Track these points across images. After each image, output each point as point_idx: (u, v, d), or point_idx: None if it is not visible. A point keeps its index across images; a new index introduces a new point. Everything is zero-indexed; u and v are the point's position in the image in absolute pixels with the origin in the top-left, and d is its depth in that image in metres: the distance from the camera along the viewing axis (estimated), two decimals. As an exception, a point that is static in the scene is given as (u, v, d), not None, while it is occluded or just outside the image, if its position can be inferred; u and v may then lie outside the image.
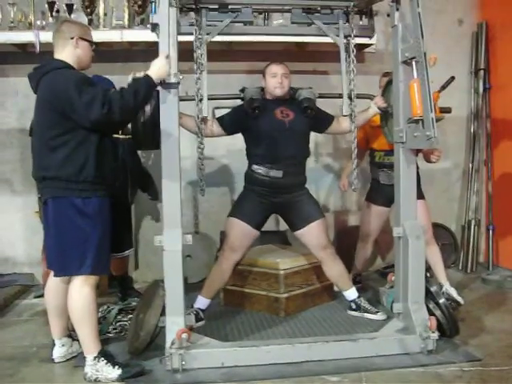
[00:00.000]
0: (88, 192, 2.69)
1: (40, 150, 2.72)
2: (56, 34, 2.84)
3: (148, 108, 2.87)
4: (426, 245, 3.69)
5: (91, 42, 2.91)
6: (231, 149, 4.65)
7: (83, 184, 2.67)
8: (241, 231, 3.50)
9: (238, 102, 3.62)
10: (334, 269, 3.59)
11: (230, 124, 3.57)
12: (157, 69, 2.73)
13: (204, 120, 3.36)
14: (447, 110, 3.86)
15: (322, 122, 3.69)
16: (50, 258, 2.87)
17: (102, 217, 2.75)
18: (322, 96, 3.71)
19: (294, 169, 3.56)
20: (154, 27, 2.91)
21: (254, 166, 3.55)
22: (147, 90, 2.68)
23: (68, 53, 2.79)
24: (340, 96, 3.55)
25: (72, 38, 2.79)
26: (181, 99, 2.97)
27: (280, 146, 3.47)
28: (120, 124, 2.86)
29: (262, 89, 3.62)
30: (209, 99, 3.31)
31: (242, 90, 3.64)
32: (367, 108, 3.60)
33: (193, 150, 3.34)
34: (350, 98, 3.46)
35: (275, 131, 3.48)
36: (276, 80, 3.51)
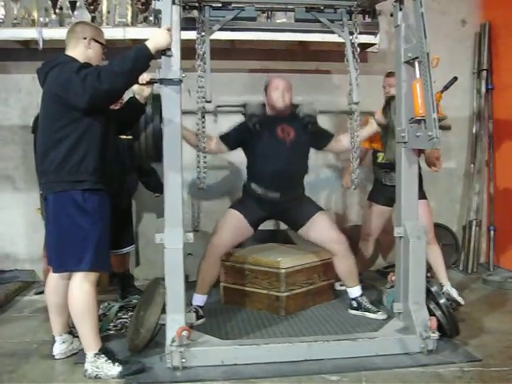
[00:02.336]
0: (88, 183, 2.69)
1: (45, 143, 2.73)
2: (69, 33, 2.88)
3: (150, 127, 2.90)
4: (428, 245, 3.69)
5: (103, 45, 2.94)
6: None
7: (84, 175, 2.68)
8: (234, 222, 3.56)
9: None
10: (346, 263, 3.60)
11: (232, 140, 3.66)
12: (155, 38, 2.67)
13: (207, 138, 3.37)
14: (444, 119, 3.91)
15: (322, 138, 3.74)
16: (49, 254, 2.88)
17: (101, 214, 2.76)
18: (322, 112, 3.75)
19: (292, 187, 3.65)
20: (156, 15, 2.89)
21: (253, 185, 3.63)
22: (137, 56, 2.61)
23: (79, 52, 2.82)
24: (341, 112, 3.57)
25: (85, 39, 2.83)
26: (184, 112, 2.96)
27: (280, 167, 3.54)
28: (112, 93, 2.68)
29: (264, 104, 3.66)
30: (210, 113, 3.33)
31: (244, 106, 3.67)
32: (367, 124, 3.62)
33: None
34: (350, 113, 3.45)
35: (276, 151, 3.55)
36: (278, 93, 3.57)
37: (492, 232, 5.07)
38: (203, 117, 3.29)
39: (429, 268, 3.62)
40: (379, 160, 4.04)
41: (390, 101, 3.46)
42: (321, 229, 3.62)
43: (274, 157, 3.53)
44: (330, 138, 3.72)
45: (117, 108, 3.15)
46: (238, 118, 4.62)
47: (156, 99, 2.98)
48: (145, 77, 2.88)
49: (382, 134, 3.64)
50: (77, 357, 2.95)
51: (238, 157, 3.87)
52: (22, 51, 4.46)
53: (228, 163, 4.82)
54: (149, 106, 2.98)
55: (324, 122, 3.87)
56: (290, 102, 3.63)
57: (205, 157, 3.31)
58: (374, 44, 4.43)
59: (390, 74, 3.89)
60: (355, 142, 3.46)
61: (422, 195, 3.74)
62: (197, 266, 3.58)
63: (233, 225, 3.58)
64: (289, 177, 3.59)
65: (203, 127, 3.30)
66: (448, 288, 3.83)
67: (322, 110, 3.81)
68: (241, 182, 3.86)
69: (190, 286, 3.47)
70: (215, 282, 3.64)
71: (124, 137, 3.70)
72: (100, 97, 2.59)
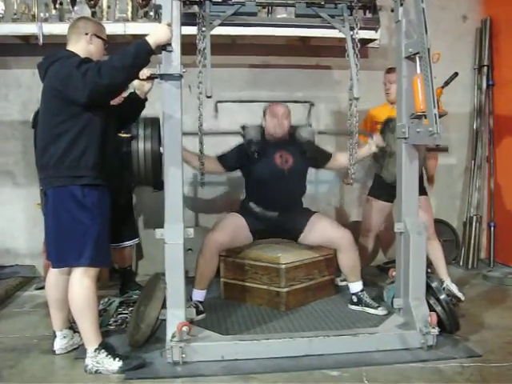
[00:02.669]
0: (87, 178, 2.68)
1: (45, 138, 2.72)
2: (71, 28, 2.87)
3: (148, 145, 2.92)
4: (428, 241, 3.70)
5: (105, 41, 2.93)
6: (232, 141, 4.65)
7: (83, 170, 2.67)
8: (235, 222, 3.62)
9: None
10: (349, 257, 3.61)
11: (229, 163, 3.74)
12: (156, 33, 2.67)
13: (205, 158, 3.40)
14: (444, 149, 3.98)
15: (320, 160, 3.84)
16: (49, 249, 2.88)
17: (101, 209, 2.76)
18: (321, 132, 3.81)
19: (290, 207, 3.71)
20: (157, 10, 2.89)
21: (251, 204, 3.71)
22: (138, 51, 2.61)
23: (80, 47, 2.82)
24: (338, 132, 3.79)
25: (87, 34, 2.83)
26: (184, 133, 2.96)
27: (277, 193, 3.62)
28: (112, 88, 2.67)
29: (262, 128, 3.70)
30: (211, 134, 3.37)
31: (243, 128, 3.73)
32: (365, 146, 3.65)
33: (194, 143, 3.34)
34: (349, 134, 3.47)
35: (274, 178, 3.62)
36: (276, 121, 3.63)
37: (492, 228, 5.07)
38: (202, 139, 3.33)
39: (429, 264, 3.63)
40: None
41: (388, 122, 3.48)
42: (321, 230, 3.66)
43: (271, 183, 3.62)
44: (329, 158, 3.83)
45: (117, 103, 3.15)
46: (238, 116, 4.65)
47: (154, 123, 3.02)
48: (145, 72, 2.88)
49: (379, 155, 3.68)
50: (77, 352, 2.96)
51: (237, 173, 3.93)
52: (22, 46, 4.45)
53: (227, 178, 4.83)
54: (146, 129, 2.99)
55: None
56: (289, 129, 3.69)
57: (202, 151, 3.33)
58: (375, 39, 4.43)
59: (390, 70, 3.88)
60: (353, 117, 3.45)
61: (422, 191, 3.74)
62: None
63: (233, 224, 3.62)
64: (286, 200, 3.69)
65: (202, 146, 3.33)
66: (448, 283, 3.84)
67: (321, 130, 3.90)
68: (241, 176, 3.86)
69: (190, 281, 3.48)
70: (213, 276, 3.63)
71: (124, 135, 3.71)
72: (100, 92, 2.59)
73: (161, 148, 2.95)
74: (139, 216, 4.78)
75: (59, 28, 3.95)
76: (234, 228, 3.62)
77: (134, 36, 4.23)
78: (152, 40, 2.64)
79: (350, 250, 3.60)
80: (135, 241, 4.10)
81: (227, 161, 3.73)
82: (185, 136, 2.95)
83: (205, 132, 3.33)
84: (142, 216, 4.81)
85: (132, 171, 3.01)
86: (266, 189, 3.65)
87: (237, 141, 3.83)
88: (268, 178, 3.63)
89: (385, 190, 3.97)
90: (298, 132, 3.72)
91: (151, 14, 4.27)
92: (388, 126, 3.49)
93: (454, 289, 3.82)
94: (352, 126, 3.40)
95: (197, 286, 3.54)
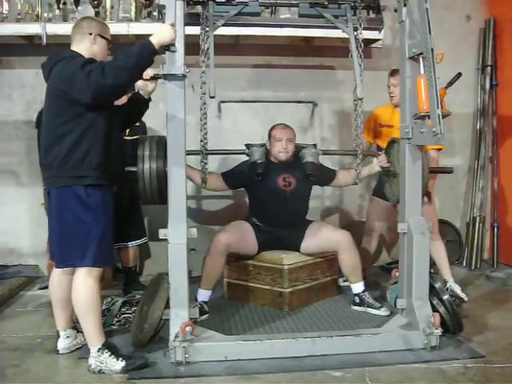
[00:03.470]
0: (91, 179, 2.69)
1: (48, 138, 2.73)
2: (75, 28, 2.87)
3: (154, 165, 2.97)
4: (432, 241, 3.71)
5: (109, 41, 2.93)
6: (235, 141, 4.65)
7: (87, 170, 2.68)
8: (244, 228, 3.66)
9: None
10: (350, 258, 3.62)
11: (232, 182, 3.77)
12: (159, 34, 2.67)
13: (208, 174, 3.43)
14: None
15: (324, 179, 3.88)
16: (52, 249, 2.89)
17: (104, 209, 2.76)
18: (326, 153, 3.85)
19: (293, 225, 3.75)
20: (160, 10, 2.89)
21: (254, 219, 3.75)
22: (141, 51, 2.60)
23: (84, 47, 2.82)
24: (344, 153, 3.97)
25: (90, 34, 2.83)
26: (188, 153, 2.99)
27: (279, 213, 3.68)
28: (116, 89, 2.67)
29: (267, 149, 3.73)
30: (214, 153, 3.57)
31: (248, 147, 3.73)
32: (370, 164, 3.66)
33: (197, 143, 3.34)
34: (355, 154, 3.54)
35: (276, 200, 3.66)
36: (281, 145, 3.65)
37: (495, 228, 5.06)
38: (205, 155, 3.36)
39: (432, 264, 3.63)
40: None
41: (392, 143, 3.47)
42: (319, 236, 3.69)
43: (273, 204, 3.66)
44: (333, 177, 3.86)
45: (120, 104, 3.15)
46: (241, 114, 4.65)
47: (160, 142, 3.04)
48: (149, 72, 2.88)
49: (384, 177, 3.68)
50: (81, 352, 2.96)
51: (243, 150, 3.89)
52: (26, 46, 4.46)
53: (231, 158, 4.78)
54: (152, 148, 3.03)
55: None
56: (293, 150, 3.71)
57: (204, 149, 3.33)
58: (378, 40, 4.42)
59: (393, 73, 3.85)
60: (358, 138, 3.48)
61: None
62: (199, 262, 3.59)
63: (241, 229, 3.67)
64: (288, 219, 3.73)
65: (205, 163, 3.36)
66: (452, 284, 3.83)
67: (325, 150, 3.89)
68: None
69: (194, 281, 3.49)
70: (220, 277, 3.64)
71: (129, 138, 3.73)
72: (104, 92, 2.59)
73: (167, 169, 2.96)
74: (144, 216, 4.78)
75: (63, 28, 3.97)
76: (241, 231, 3.65)
77: (138, 36, 4.23)
78: (156, 40, 2.63)
79: (349, 250, 3.60)
80: (142, 240, 4.10)
81: (231, 179, 3.76)
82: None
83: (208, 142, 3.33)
84: (147, 216, 4.81)
85: (139, 191, 3.06)
86: (267, 209, 3.70)
87: (240, 137, 3.82)
88: (270, 200, 3.68)
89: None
90: (303, 153, 3.73)
91: (155, 14, 4.28)
92: (392, 146, 3.48)
93: (458, 289, 3.82)
94: (357, 129, 3.44)
95: (203, 286, 3.55)
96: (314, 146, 3.79)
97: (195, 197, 4.83)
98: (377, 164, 3.60)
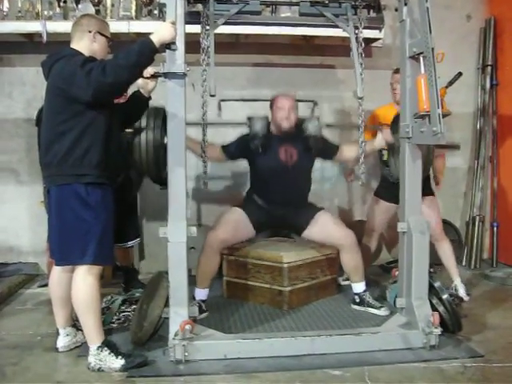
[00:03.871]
0: (91, 177, 2.69)
1: (48, 136, 2.73)
2: (75, 26, 2.87)
3: (151, 135, 2.94)
4: (437, 241, 3.74)
5: (109, 38, 2.93)
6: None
7: (87, 168, 2.68)
8: (235, 218, 3.60)
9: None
10: (352, 258, 3.61)
11: (232, 152, 3.73)
12: (160, 32, 2.67)
13: (208, 145, 3.40)
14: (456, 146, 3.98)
15: (327, 153, 3.81)
16: (52, 247, 2.89)
17: (104, 207, 2.76)
18: (328, 125, 3.79)
19: (294, 203, 3.69)
20: (161, 8, 2.88)
21: (255, 196, 3.70)
22: (142, 50, 2.60)
23: (84, 45, 2.82)
24: (346, 126, 3.98)
25: (90, 32, 2.83)
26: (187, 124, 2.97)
27: (280, 188, 3.61)
28: (116, 87, 2.67)
29: (268, 120, 3.69)
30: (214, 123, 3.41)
31: (249, 119, 3.70)
32: (374, 139, 3.63)
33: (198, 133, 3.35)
34: (357, 127, 3.48)
35: (277, 173, 3.60)
36: (283, 113, 3.58)
37: (495, 228, 5.07)
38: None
39: (432, 263, 3.63)
40: (384, 158, 4.02)
41: (397, 119, 3.46)
42: (324, 228, 3.64)
43: (275, 178, 3.60)
44: (336, 151, 3.79)
45: (121, 102, 3.15)
46: (241, 112, 4.64)
47: (158, 113, 3.03)
48: (149, 70, 2.88)
49: (387, 151, 3.66)
50: (80, 350, 2.96)
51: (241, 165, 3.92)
52: (26, 44, 4.46)
53: (230, 171, 4.82)
54: (149, 119, 3.01)
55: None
56: (295, 121, 3.65)
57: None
58: (379, 39, 4.42)
59: (398, 71, 3.85)
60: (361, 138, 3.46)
61: (429, 191, 3.74)
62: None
63: (233, 220, 3.60)
64: (290, 195, 3.67)
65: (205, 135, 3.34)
66: (457, 283, 3.85)
67: (329, 123, 3.85)
68: (244, 175, 3.87)
69: (193, 279, 3.49)
70: (215, 274, 3.63)
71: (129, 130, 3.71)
72: (104, 90, 2.59)
73: (164, 138, 2.94)
74: (143, 214, 4.79)
75: (63, 26, 3.96)
76: (235, 224, 3.59)
77: (138, 34, 4.23)
78: (156, 38, 2.63)
79: (352, 250, 3.59)
80: (137, 240, 4.10)
81: (230, 150, 3.72)
82: (189, 126, 2.96)
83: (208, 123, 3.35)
84: (145, 214, 4.81)
85: (135, 162, 3.03)
86: (269, 183, 3.64)
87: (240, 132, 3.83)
88: (271, 173, 3.61)
89: (391, 191, 3.96)
90: (305, 125, 3.66)
91: (155, 12, 4.28)
92: (397, 122, 3.47)
93: (462, 289, 3.83)
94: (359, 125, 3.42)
95: (199, 285, 3.54)
96: (317, 118, 3.76)
97: (195, 197, 4.83)
98: (382, 139, 3.57)
